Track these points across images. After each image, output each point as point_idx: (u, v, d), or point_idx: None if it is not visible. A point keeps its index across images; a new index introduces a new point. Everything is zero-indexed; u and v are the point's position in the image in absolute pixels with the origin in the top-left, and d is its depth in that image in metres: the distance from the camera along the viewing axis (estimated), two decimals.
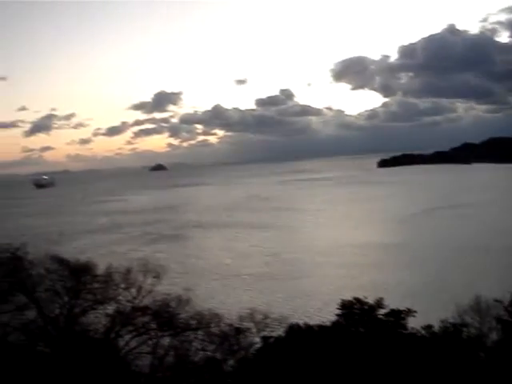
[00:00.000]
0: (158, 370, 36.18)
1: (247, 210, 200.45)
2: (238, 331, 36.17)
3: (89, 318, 39.39)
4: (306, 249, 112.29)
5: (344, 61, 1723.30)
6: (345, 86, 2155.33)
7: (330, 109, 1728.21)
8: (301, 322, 38.32)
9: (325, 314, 42.59)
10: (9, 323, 39.79)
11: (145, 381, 35.58)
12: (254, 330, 36.12)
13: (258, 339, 36.40)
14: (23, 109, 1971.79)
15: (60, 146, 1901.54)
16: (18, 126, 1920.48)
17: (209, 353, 36.19)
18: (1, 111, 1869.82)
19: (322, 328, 37.01)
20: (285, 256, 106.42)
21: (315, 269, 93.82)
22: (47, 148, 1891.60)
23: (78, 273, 39.54)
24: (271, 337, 36.44)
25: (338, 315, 37.47)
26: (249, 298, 68.62)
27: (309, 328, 37.50)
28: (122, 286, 39.00)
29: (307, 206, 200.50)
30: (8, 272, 41.62)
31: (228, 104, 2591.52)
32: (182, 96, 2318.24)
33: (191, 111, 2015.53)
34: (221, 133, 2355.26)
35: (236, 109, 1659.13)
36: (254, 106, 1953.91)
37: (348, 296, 38.46)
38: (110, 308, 39.27)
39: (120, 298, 38.98)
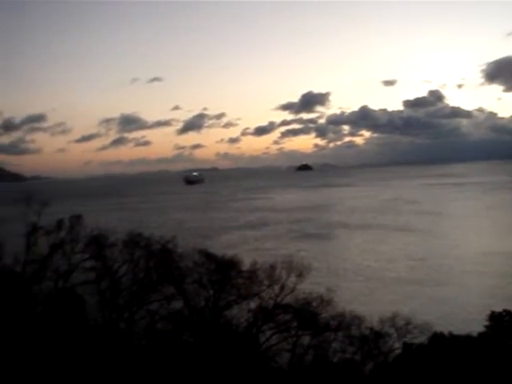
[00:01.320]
0: (296, 368, 36.60)
1: (392, 212, 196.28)
2: (379, 335, 35.73)
3: (232, 312, 40.67)
4: (453, 255, 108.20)
5: (497, 61, 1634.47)
6: (497, 88, 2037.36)
7: (481, 111, 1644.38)
8: (445, 331, 37.04)
9: (470, 323, 40.85)
10: (157, 312, 42.15)
11: (284, 378, 36.11)
12: (394, 335, 35.52)
13: (398, 345, 35.73)
14: (177, 108, 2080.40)
15: (210, 144, 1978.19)
16: (171, 125, 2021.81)
17: (348, 355, 36.07)
18: (157, 110, 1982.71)
19: (468, 338, 35.66)
20: (430, 261, 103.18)
21: (461, 276, 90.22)
22: (198, 146, 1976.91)
23: (224, 267, 40.95)
24: (413, 344, 35.63)
25: (485, 326, 35.99)
26: (391, 303, 66.97)
27: (454, 337, 36.25)
28: (266, 282, 39.89)
29: (454, 211, 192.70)
30: (158, 263, 44.02)
31: (375, 105, 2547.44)
32: (329, 97, 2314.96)
33: (338, 112, 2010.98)
34: (367, 134, 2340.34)
35: (383, 110, 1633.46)
36: (401, 108, 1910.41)
37: (496, 307, 36.75)
38: (253, 304, 40.28)
39: (263, 294, 39.90)
